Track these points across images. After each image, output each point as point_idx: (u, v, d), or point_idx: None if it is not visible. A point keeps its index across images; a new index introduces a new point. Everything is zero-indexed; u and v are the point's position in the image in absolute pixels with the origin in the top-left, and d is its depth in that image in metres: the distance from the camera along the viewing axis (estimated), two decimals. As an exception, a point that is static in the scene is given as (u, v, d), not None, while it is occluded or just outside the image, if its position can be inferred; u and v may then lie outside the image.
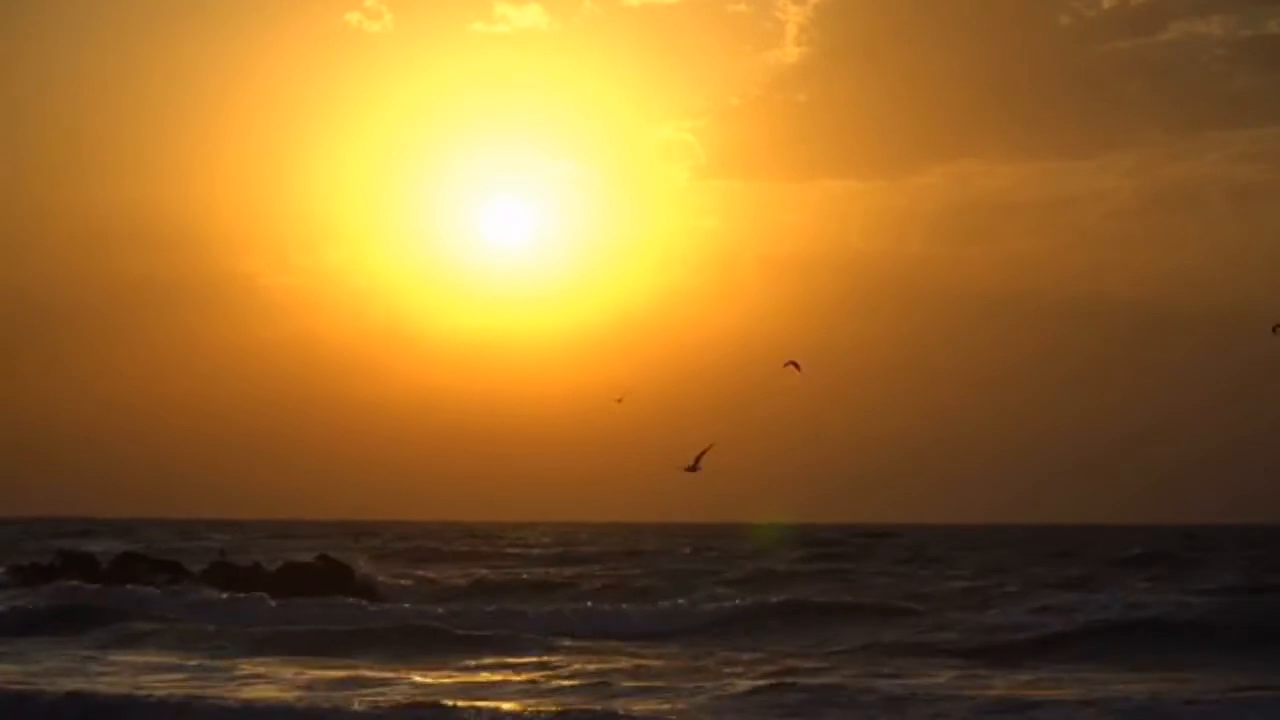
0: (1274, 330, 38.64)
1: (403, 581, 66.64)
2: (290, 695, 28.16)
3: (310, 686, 29.67)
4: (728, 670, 32.14)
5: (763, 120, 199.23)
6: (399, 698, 27.20)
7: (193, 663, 34.59)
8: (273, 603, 51.60)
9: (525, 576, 70.08)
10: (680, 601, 51.44)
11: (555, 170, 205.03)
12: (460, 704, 25.89)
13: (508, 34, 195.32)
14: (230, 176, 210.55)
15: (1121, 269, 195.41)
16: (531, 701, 27.06)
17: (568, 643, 38.27)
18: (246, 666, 33.63)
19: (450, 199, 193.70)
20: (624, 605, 51.13)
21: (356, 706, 25.88)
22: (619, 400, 40.57)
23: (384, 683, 30.08)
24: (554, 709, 25.72)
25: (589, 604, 52.40)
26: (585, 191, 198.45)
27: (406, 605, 52.84)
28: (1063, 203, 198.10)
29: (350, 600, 52.97)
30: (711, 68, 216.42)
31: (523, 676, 31.40)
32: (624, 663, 33.75)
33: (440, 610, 49.16)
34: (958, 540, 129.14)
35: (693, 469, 37.34)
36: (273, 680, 30.94)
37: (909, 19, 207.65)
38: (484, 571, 72.21)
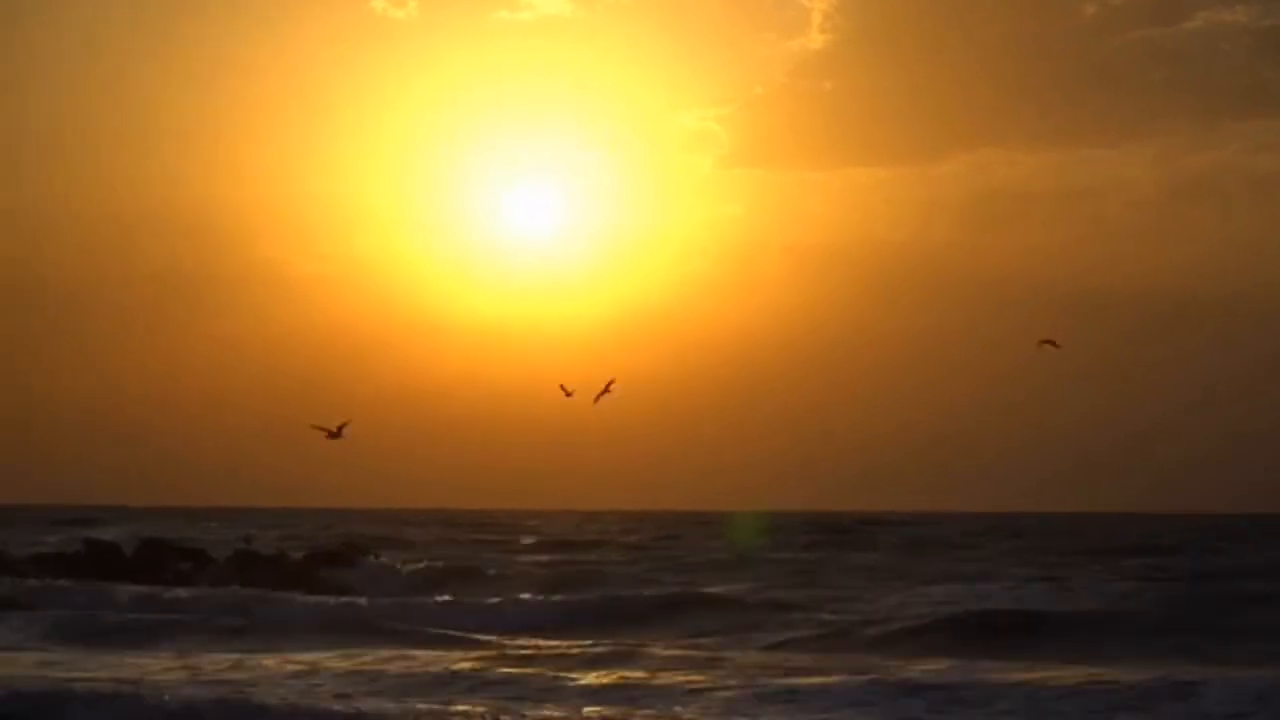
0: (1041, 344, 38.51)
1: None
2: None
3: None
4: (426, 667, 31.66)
5: (787, 108, 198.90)
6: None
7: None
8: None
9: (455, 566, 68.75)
10: (491, 600, 49.76)
11: (579, 158, 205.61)
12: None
13: (532, 21, 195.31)
14: (255, 164, 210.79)
15: (1143, 258, 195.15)
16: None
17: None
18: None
19: (474, 187, 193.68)
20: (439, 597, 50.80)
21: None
22: (569, 394, 38.70)
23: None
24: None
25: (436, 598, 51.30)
26: (609, 180, 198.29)
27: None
28: (1085, 192, 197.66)
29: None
30: (736, 55, 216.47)
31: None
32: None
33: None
34: (965, 528, 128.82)
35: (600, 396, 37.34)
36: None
37: (933, 7, 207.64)
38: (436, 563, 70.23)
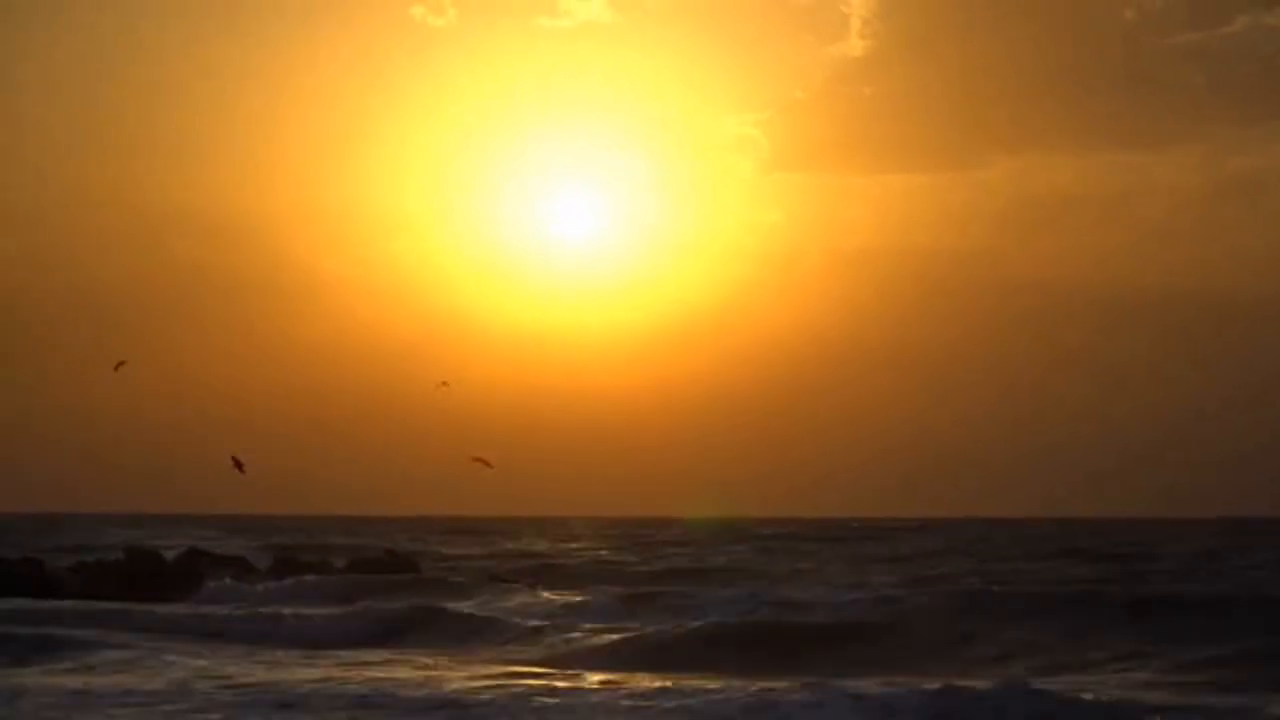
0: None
1: None
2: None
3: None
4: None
5: (827, 113, 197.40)
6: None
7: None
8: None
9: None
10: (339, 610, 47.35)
11: (618, 164, 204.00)
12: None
13: (571, 28, 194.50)
14: (292, 168, 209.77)
15: (1186, 261, 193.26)
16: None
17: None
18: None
19: (512, 193, 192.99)
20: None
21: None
22: (444, 384, 40.71)
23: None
24: None
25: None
26: (649, 185, 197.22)
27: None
28: (1127, 195, 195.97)
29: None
30: (776, 61, 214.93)
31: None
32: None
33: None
34: (974, 536, 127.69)
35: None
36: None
37: (973, 11, 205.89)
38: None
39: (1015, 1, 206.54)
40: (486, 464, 40.04)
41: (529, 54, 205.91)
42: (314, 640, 40.03)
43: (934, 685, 26.10)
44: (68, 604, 48.28)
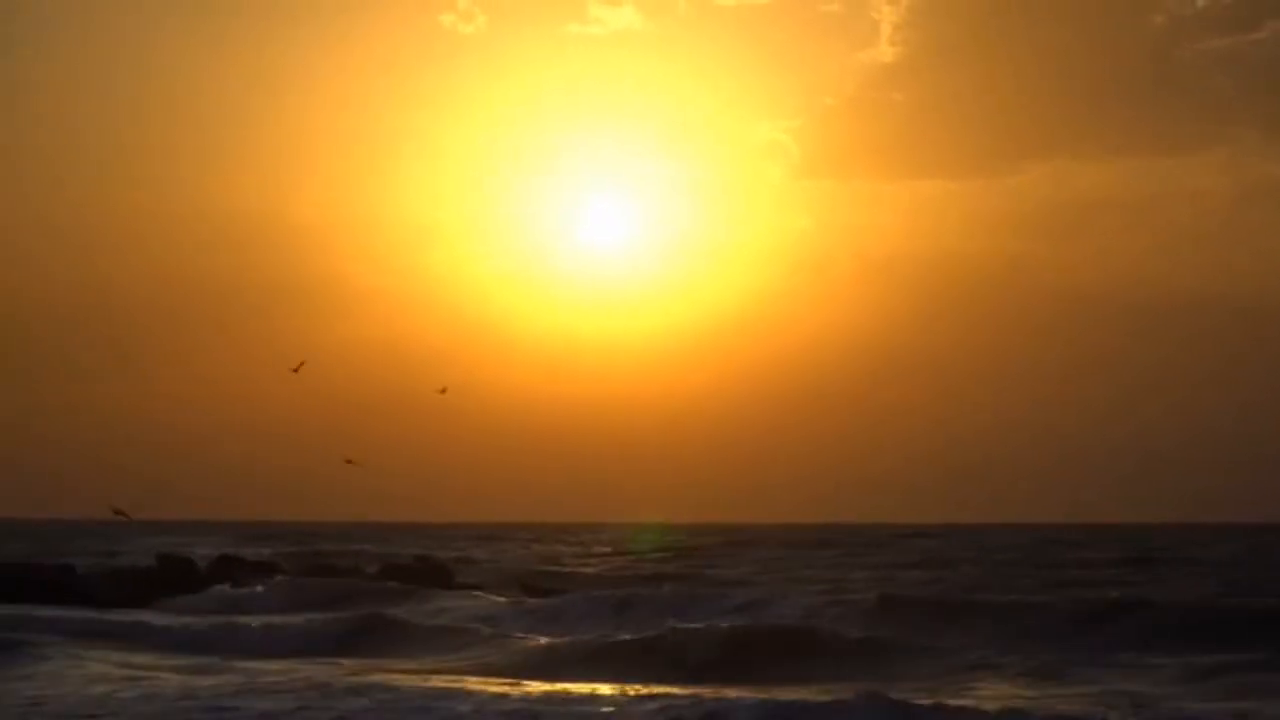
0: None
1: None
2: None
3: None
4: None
5: (857, 120, 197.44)
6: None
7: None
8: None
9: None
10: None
11: (649, 171, 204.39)
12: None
13: (602, 35, 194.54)
14: (323, 178, 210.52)
15: (1215, 265, 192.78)
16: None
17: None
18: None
19: (543, 201, 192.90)
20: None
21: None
22: (442, 391, 42.05)
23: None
24: None
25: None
26: (680, 192, 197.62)
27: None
28: (1156, 200, 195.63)
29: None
30: (806, 68, 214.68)
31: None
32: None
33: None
34: (1000, 544, 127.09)
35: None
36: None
37: (1003, 18, 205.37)
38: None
39: (1045, 8, 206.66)
40: (355, 463, 40.38)
41: (559, 61, 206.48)
42: (253, 649, 39.47)
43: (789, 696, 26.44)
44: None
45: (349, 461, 41.30)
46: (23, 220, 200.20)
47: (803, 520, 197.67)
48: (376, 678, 30.74)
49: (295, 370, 40.26)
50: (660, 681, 30.42)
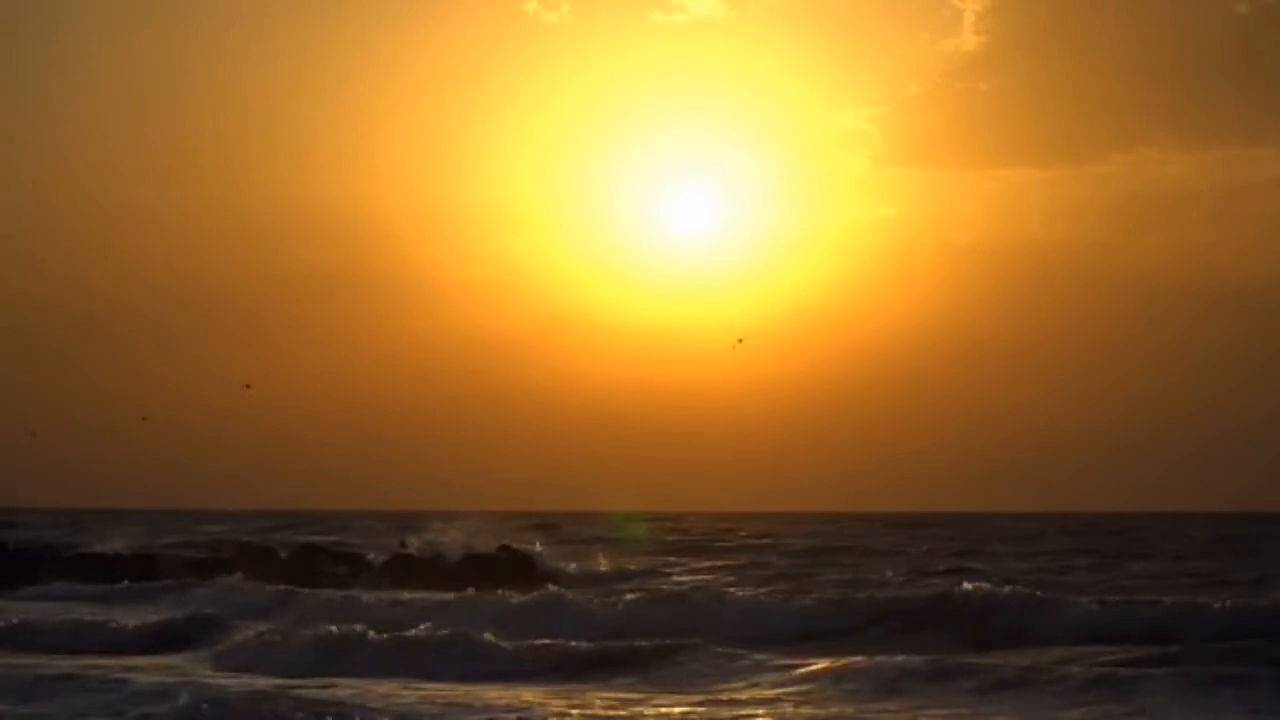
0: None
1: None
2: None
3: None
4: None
5: (941, 109, 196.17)
6: None
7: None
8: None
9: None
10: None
11: (732, 159, 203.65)
12: None
13: (685, 23, 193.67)
14: (406, 166, 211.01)
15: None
16: None
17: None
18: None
19: (627, 189, 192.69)
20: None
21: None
22: (740, 341, 41.26)
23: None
24: None
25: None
26: (763, 181, 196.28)
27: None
28: (1242, 190, 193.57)
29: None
30: (889, 56, 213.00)
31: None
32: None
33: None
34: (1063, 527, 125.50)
35: None
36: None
37: (1084, 8, 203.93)
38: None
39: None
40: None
41: (642, 49, 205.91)
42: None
43: None
44: None
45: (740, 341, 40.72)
46: (100, 219, 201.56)
47: (890, 509, 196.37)
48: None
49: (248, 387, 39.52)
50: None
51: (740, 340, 42.98)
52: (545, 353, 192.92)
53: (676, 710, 25.80)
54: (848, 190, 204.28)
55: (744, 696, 27.28)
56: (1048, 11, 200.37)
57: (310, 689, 27.53)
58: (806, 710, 25.75)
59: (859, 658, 29.19)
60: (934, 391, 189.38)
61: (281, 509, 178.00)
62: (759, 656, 30.90)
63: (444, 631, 33.14)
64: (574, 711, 25.32)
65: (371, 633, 33.28)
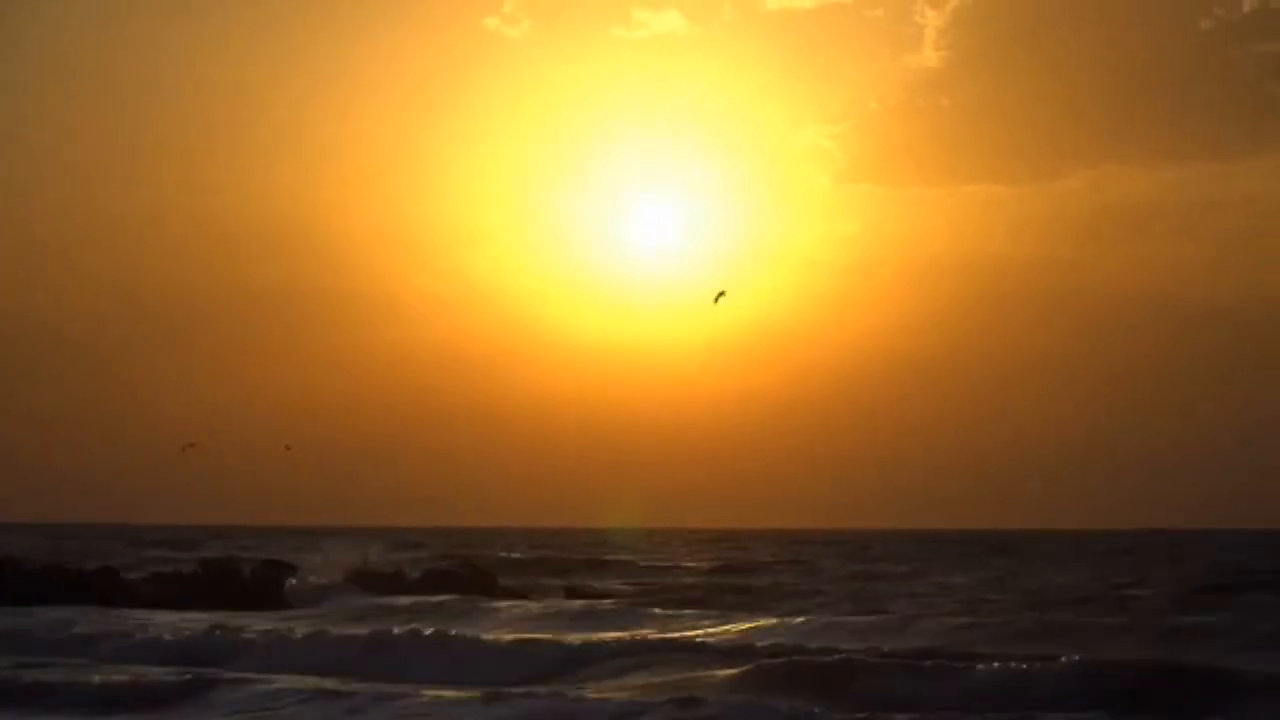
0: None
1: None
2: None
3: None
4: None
5: (903, 125, 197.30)
6: None
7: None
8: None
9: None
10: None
11: (694, 175, 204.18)
12: None
13: (647, 39, 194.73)
14: (370, 182, 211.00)
15: (1265, 272, 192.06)
16: None
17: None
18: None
19: (589, 205, 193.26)
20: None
21: None
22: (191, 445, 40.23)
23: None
24: None
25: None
26: (725, 196, 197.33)
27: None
28: (1208, 206, 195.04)
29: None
30: (851, 72, 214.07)
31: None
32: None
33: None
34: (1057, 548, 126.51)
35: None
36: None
37: (1048, 23, 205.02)
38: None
39: (1091, 13, 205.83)
40: (195, 445, 40.32)
41: (605, 65, 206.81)
42: None
43: None
44: None
45: (190, 445, 40.87)
46: (66, 225, 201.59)
47: (849, 526, 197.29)
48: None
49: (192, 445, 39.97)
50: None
51: (722, 293, 42.67)
52: (508, 368, 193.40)
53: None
54: (810, 206, 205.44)
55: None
56: (1010, 27, 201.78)
57: None
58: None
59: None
60: (896, 408, 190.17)
61: (238, 524, 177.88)
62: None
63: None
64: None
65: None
